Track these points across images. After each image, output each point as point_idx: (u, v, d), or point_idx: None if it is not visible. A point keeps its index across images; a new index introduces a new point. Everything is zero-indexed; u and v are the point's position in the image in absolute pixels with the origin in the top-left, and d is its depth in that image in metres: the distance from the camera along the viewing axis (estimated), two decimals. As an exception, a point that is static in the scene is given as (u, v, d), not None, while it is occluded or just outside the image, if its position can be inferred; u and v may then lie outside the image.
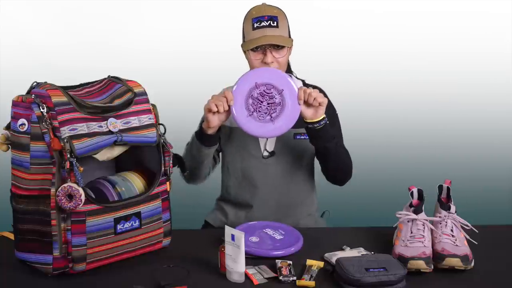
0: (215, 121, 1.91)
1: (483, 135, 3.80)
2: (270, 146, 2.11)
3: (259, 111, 1.86)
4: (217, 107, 1.85)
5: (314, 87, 2.17)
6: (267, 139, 2.10)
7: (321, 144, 1.99)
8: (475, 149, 3.77)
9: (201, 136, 1.99)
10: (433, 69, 3.81)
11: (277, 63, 2.00)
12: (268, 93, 1.86)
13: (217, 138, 2.02)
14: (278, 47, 1.99)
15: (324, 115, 1.92)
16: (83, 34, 3.80)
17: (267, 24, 1.97)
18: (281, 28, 1.99)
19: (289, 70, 2.18)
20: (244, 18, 2.04)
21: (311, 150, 2.10)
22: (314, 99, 1.86)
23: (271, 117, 1.86)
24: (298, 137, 2.10)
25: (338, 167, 2.08)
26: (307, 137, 2.03)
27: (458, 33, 3.82)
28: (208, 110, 1.88)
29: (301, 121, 2.03)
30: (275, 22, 1.98)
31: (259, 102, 1.86)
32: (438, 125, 3.83)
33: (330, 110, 2.13)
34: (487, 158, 3.75)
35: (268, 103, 1.86)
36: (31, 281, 1.60)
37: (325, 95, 2.16)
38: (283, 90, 1.86)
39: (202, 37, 3.76)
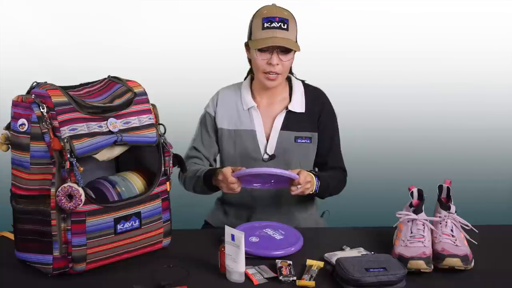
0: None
1: (483, 135, 3.80)
2: (271, 149, 2.10)
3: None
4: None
5: (314, 88, 2.17)
6: (267, 141, 2.10)
7: (312, 195, 2.07)
8: (475, 149, 3.76)
9: (210, 185, 2.01)
10: (433, 70, 3.80)
11: (282, 66, 1.99)
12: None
13: None
14: (285, 51, 1.98)
15: (314, 190, 1.96)
16: (83, 34, 3.79)
17: (278, 25, 1.96)
18: (291, 31, 1.99)
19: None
20: (254, 15, 2.03)
21: (312, 153, 2.11)
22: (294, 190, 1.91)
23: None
24: (299, 140, 2.09)
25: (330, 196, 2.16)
26: (308, 141, 2.06)
27: (459, 34, 3.81)
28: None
29: (302, 125, 2.03)
30: (286, 25, 1.97)
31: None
32: (438, 125, 3.81)
33: (330, 119, 2.13)
34: (487, 158, 3.74)
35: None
36: (31, 281, 1.60)
37: (326, 97, 2.15)
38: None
39: (202, 37, 3.75)
